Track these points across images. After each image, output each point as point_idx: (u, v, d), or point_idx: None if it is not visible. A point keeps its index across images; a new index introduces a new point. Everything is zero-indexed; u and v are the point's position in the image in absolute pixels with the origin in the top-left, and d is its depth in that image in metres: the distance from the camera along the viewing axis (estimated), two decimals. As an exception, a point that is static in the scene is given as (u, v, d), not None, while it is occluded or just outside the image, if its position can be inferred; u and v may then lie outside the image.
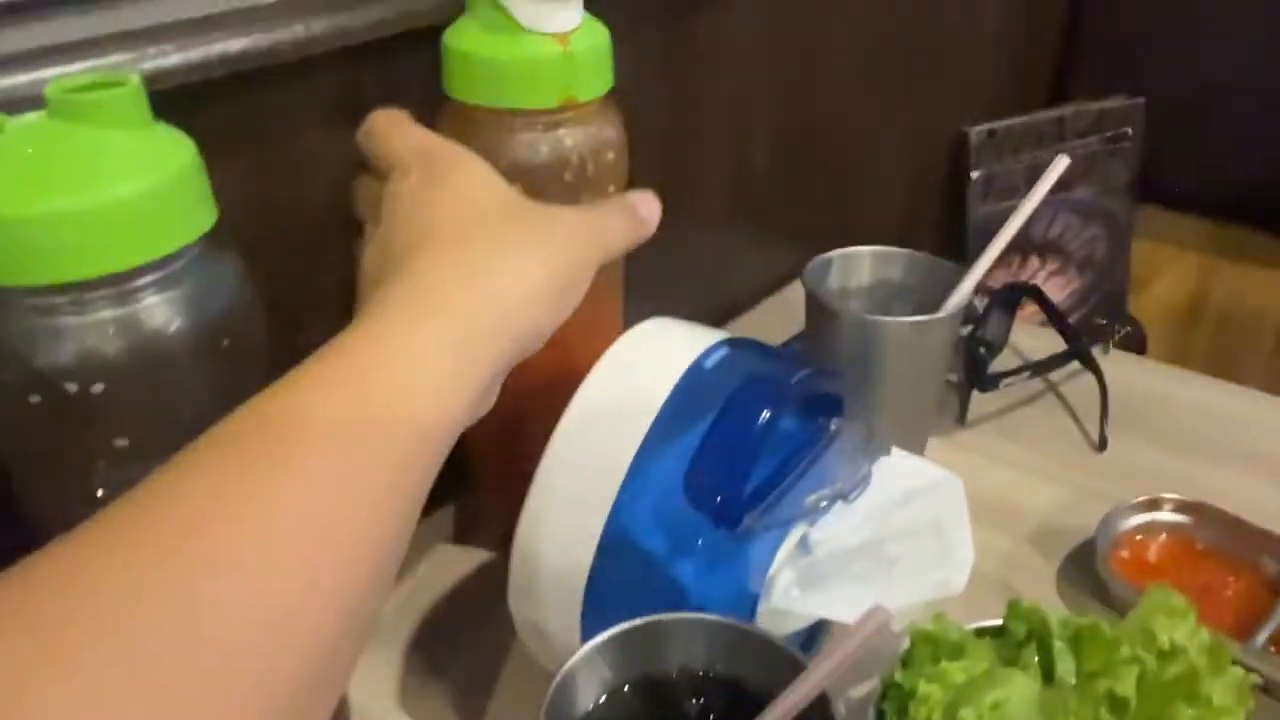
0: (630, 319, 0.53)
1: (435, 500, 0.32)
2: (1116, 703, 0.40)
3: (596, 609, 0.42)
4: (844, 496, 0.44)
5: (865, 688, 0.48)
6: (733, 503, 0.41)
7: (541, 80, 0.45)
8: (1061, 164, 0.54)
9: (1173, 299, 1.33)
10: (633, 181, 0.49)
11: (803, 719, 0.32)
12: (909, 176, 1.09)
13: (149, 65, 0.39)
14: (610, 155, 0.48)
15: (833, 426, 0.46)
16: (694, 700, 0.36)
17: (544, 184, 0.45)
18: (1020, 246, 1.20)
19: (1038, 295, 0.75)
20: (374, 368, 0.29)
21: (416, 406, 0.29)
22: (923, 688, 0.43)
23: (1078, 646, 0.43)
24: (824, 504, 0.44)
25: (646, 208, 0.40)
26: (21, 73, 0.36)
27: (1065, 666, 0.43)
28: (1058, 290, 1.24)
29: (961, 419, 0.70)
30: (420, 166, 0.37)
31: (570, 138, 0.46)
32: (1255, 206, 1.21)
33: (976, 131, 1.12)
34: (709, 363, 0.44)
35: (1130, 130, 1.22)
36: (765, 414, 0.42)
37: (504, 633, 0.48)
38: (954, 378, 0.70)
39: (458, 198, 0.36)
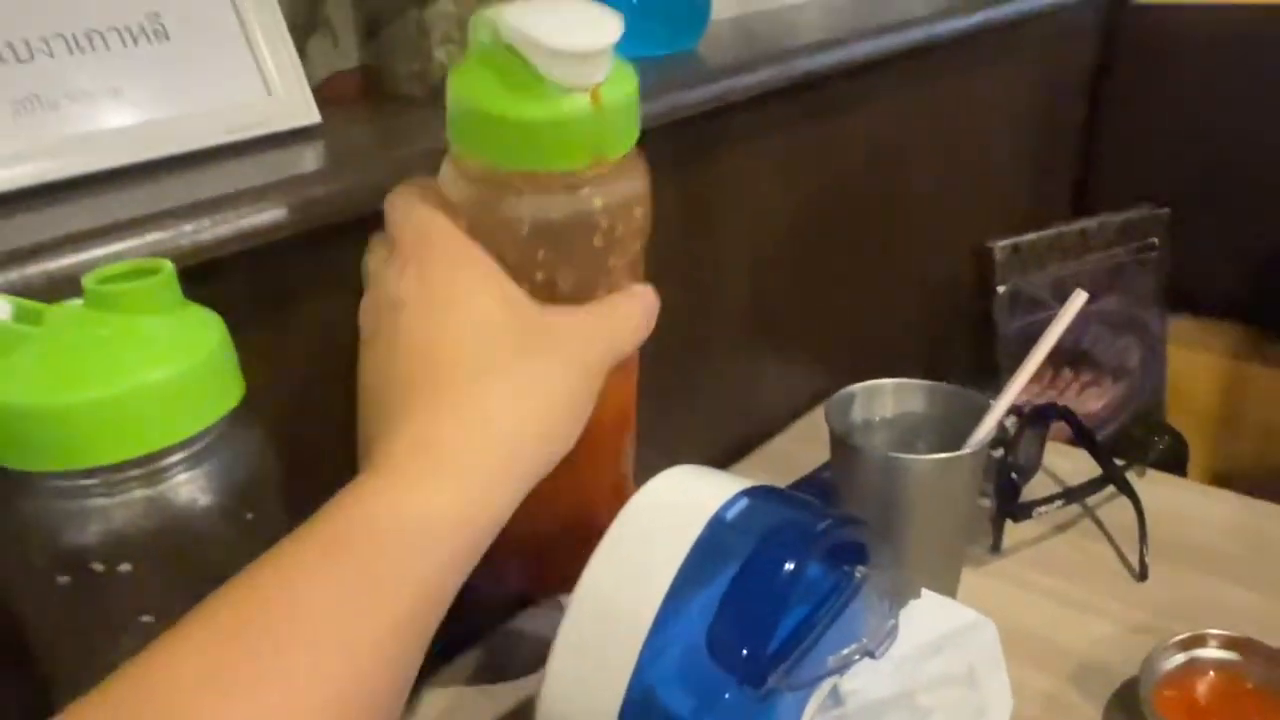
0: (654, 443, 0.54)
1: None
2: None
3: (622, 772, 0.41)
4: (870, 653, 0.43)
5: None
6: (757, 659, 0.40)
7: (572, 141, 0.38)
8: (1079, 299, 0.55)
9: (1210, 407, 1.31)
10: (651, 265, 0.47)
11: None
12: (935, 293, 1.10)
13: (185, 241, 0.41)
14: (638, 211, 0.42)
15: (858, 575, 0.46)
16: None
17: (570, 248, 0.40)
18: (1052, 360, 1.20)
19: (1068, 417, 0.74)
20: (377, 532, 0.30)
21: (422, 566, 0.30)
22: None
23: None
24: (851, 661, 0.43)
25: (652, 298, 0.41)
26: (64, 257, 0.38)
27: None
28: (1093, 401, 1.23)
29: (996, 548, 0.68)
30: (415, 264, 0.36)
31: (598, 197, 0.40)
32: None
33: (1000, 246, 1.13)
34: (730, 515, 0.44)
35: (1156, 240, 1.22)
36: (788, 566, 0.42)
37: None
38: (987, 503, 0.69)
39: (463, 323, 0.35)
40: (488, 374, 0.34)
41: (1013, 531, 0.69)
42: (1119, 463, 0.73)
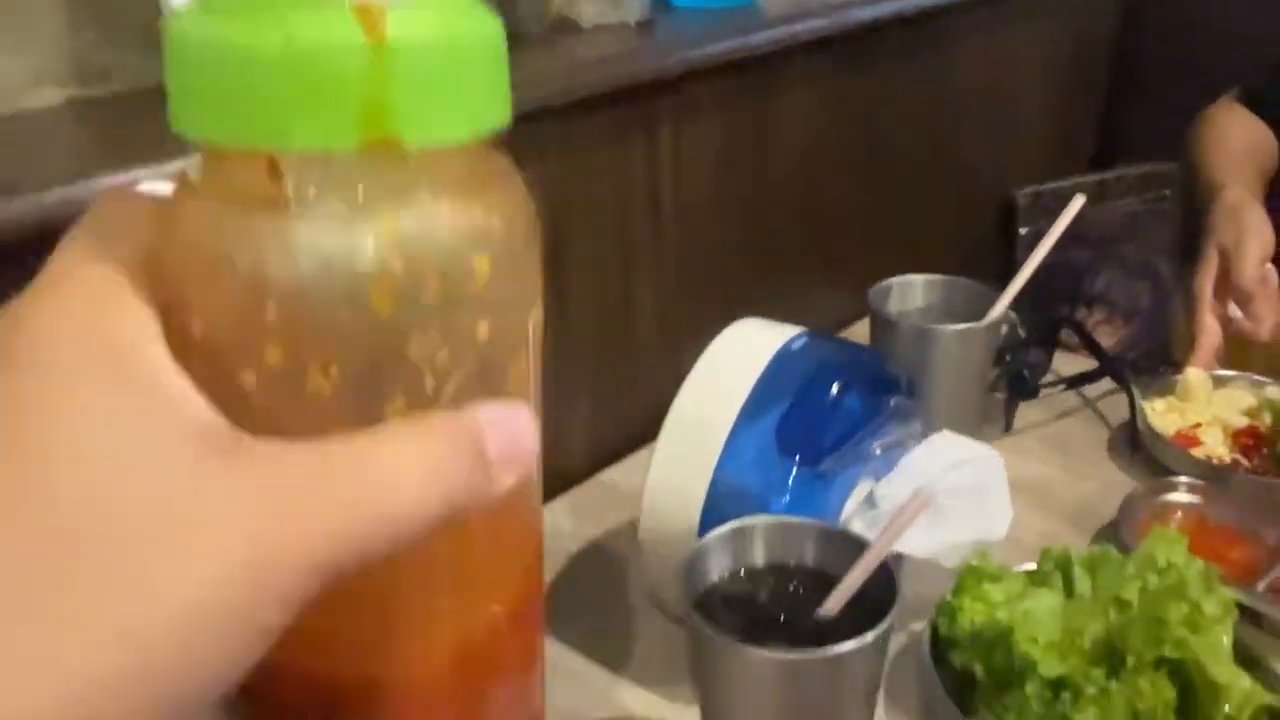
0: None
1: None
2: (1121, 604, 0.50)
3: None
4: (903, 445, 0.55)
5: (923, 624, 0.58)
6: (815, 447, 0.53)
7: (322, 94, 0.22)
8: (1078, 202, 0.66)
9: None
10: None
11: (869, 587, 0.44)
12: (960, 235, 1.21)
13: None
14: (482, 264, 0.24)
15: (894, 401, 0.58)
16: (789, 586, 0.48)
17: (333, 322, 0.23)
18: (1069, 298, 1.31)
19: (1073, 323, 0.86)
20: None
21: None
22: (968, 604, 0.54)
23: (1094, 571, 0.54)
24: (888, 451, 0.55)
25: (504, 435, 0.23)
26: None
27: (1083, 586, 0.54)
28: (1105, 339, 1.33)
29: (1007, 428, 0.81)
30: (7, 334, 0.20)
31: (384, 224, 0.23)
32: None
33: (1023, 194, 1.25)
34: (794, 347, 0.57)
35: (1169, 193, 1.33)
36: (840, 383, 0.54)
37: None
38: (1000, 396, 0.82)
39: (77, 449, 0.19)
40: (113, 533, 0.19)
41: (1022, 416, 0.81)
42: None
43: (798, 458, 0.53)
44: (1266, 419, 0.76)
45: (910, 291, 0.74)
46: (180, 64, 0.23)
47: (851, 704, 0.43)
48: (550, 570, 0.68)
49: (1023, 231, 1.24)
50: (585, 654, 0.60)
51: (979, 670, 0.52)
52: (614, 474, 0.79)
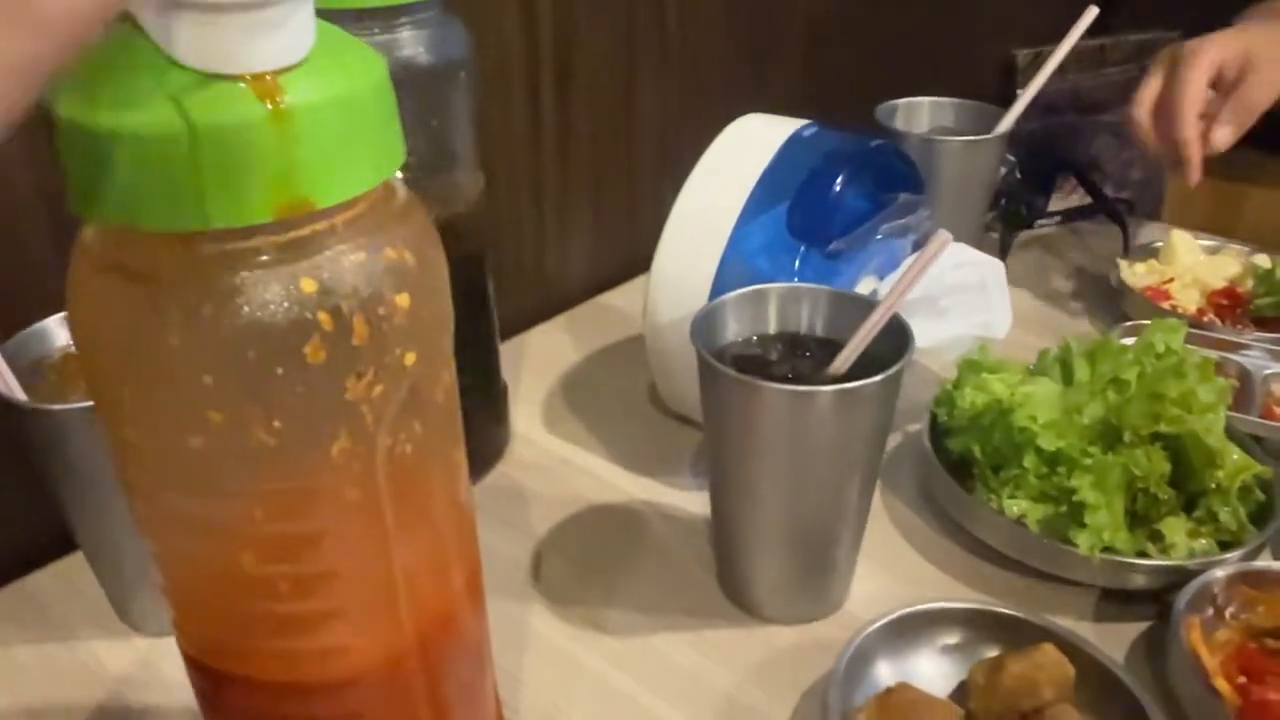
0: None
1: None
2: (1120, 385, 0.51)
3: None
4: (910, 230, 0.56)
5: (920, 425, 0.59)
6: (824, 234, 0.53)
7: (234, 172, 0.22)
8: (1091, 13, 0.65)
9: (1206, 224, 1.43)
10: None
11: (881, 348, 0.44)
12: (959, 94, 1.20)
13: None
14: (403, 299, 0.25)
15: (903, 196, 0.58)
16: (800, 351, 0.48)
17: (270, 381, 0.24)
18: (1061, 164, 1.31)
19: (1069, 162, 0.86)
20: None
21: None
22: (968, 391, 0.55)
23: (1093, 360, 0.55)
24: (892, 235, 0.55)
25: None
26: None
27: (1082, 373, 0.55)
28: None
29: (1003, 259, 0.81)
30: None
31: (304, 282, 0.24)
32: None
33: (1024, 54, 1.23)
34: (805, 134, 0.56)
35: (1167, 60, 1.32)
36: (851, 169, 0.54)
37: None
38: (997, 236, 0.82)
39: None
40: None
41: (1019, 252, 0.82)
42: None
43: (806, 243, 0.52)
44: (1249, 283, 0.76)
45: (915, 113, 0.74)
46: (79, 154, 0.22)
47: (858, 449, 0.44)
48: (550, 379, 0.69)
49: (1021, 92, 1.23)
50: (586, 449, 0.61)
51: (976, 451, 0.53)
52: (612, 297, 0.79)
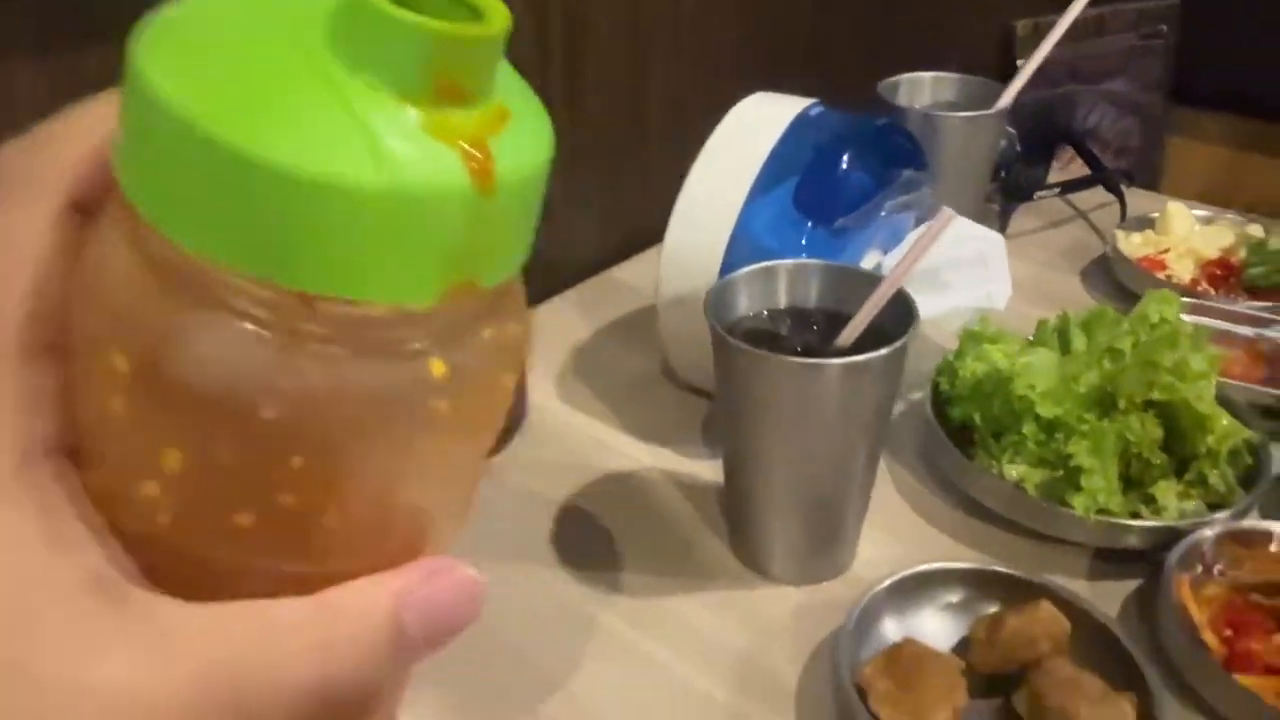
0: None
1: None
2: (1115, 354, 0.53)
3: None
4: (913, 206, 0.57)
5: (922, 393, 0.61)
6: (830, 211, 0.55)
7: (412, 245, 0.17)
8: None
9: (1204, 192, 1.44)
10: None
11: (886, 321, 0.46)
12: (957, 65, 1.21)
13: None
14: (509, 380, 0.22)
15: (908, 172, 0.60)
16: (809, 324, 0.50)
17: (355, 457, 0.19)
18: (1061, 134, 1.32)
19: (1071, 139, 0.87)
20: None
21: None
22: (969, 361, 0.57)
23: (1090, 330, 0.57)
24: (896, 211, 0.57)
25: (427, 609, 0.19)
26: None
27: (1079, 343, 0.57)
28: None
29: (1003, 230, 0.83)
30: None
31: (437, 367, 0.19)
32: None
33: (1023, 24, 1.24)
34: (811, 113, 0.58)
35: (1165, 28, 1.33)
36: (856, 148, 0.56)
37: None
38: (997, 207, 0.84)
39: None
40: None
41: (1019, 224, 0.83)
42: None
43: (812, 219, 0.54)
44: (1242, 252, 0.77)
45: (917, 88, 0.75)
46: (197, 170, 0.16)
47: (865, 418, 0.46)
48: (563, 352, 0.71)
49: (1020, 63, 1.24)
50: (601, 420, 0.63)
51: (977, 418, 0.56)
52: (621, 271, 0.81)
